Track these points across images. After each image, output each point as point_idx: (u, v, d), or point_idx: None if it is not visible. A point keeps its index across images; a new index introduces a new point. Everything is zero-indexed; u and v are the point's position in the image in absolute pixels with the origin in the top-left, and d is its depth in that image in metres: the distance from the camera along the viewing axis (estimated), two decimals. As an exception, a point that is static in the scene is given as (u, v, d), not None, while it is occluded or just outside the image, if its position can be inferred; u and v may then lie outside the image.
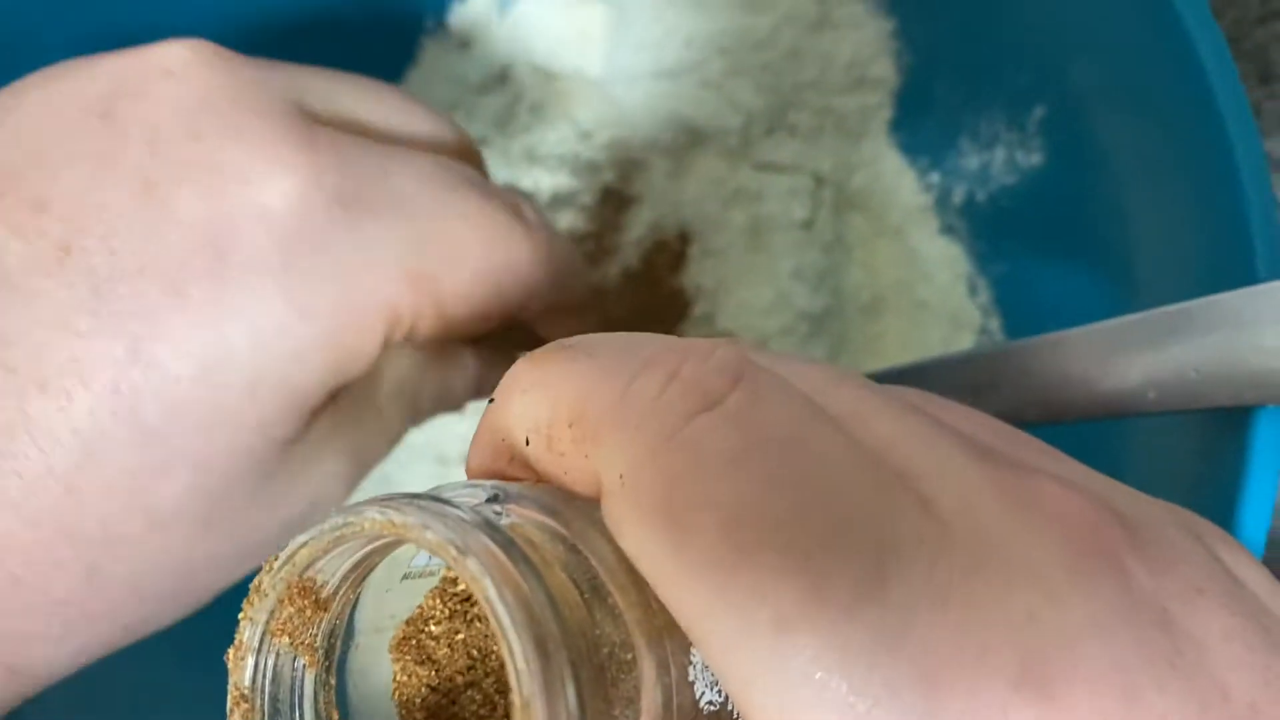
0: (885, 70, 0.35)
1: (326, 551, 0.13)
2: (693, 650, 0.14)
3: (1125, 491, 0.16)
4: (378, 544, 0.13)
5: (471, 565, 0.12)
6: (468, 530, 0.12)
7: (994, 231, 0.34)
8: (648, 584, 0.13)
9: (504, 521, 0.13)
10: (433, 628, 0.14)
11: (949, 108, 0.34)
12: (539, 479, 0.15)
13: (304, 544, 0.13)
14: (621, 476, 0.13)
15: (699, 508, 0.12)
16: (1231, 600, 0.14)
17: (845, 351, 0.38)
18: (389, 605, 0.14)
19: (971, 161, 0.34)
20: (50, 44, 0.28)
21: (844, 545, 0.12)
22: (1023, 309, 0.34)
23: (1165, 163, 0.24)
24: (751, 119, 0.37)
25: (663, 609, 0.13)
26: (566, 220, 0.39)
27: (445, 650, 0.14)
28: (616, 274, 0.39)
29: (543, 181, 0.39)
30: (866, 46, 0.35)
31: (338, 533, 0.12)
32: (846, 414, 0.14)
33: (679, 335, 0.39)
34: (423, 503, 0.13)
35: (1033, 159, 0.31)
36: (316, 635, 0.13)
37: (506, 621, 0.11)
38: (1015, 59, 0.30)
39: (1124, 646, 0.12)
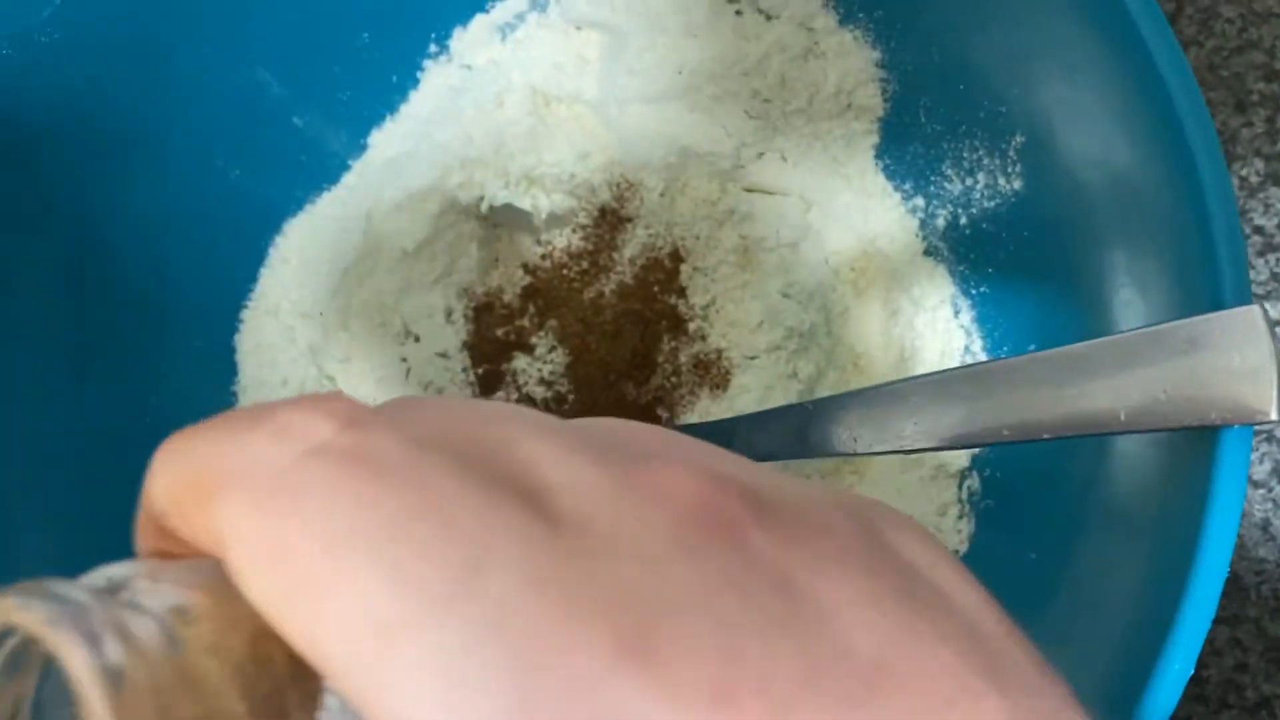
0: (871, 98, 0.36)
1: None
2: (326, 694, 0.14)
3: (777, 478, 0.16)
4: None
5: (61, 641, 0.12)
6: (63, 612, 0.12)
7: (976, 254, 0.36)
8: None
9: (132, 599, 0.13)
10: None
11: (933, 135, 0.35)
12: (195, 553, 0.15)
13: None
14: (234, 526, 0.13)
15: (301, 539, 0.13)
16: (875, 570, 0.14)
17: (833, 367, 0.39)
18: None
19: (955, 186, 0.35)
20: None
21: (442, 553, 0.12)
22: (1003, 329, 0.35)
23: (1137, 189, 0.25)
24: (742, 143, 0.39)
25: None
26: (563, 240, 0.41)
27: None
28: (613, 290, 0.40)
29: (540, 201, 0.40)
30: (853, 75, 0.36)
31: None
32: (492, 448, 0.14)
33: (672, 351, 0.40)
34: (37, 587, 0.13)
35: (1013, 184, 0.33)
36: None
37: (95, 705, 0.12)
38: (995, 89, 0.31)
39: (730, 610, 0.13)
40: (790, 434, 0.31)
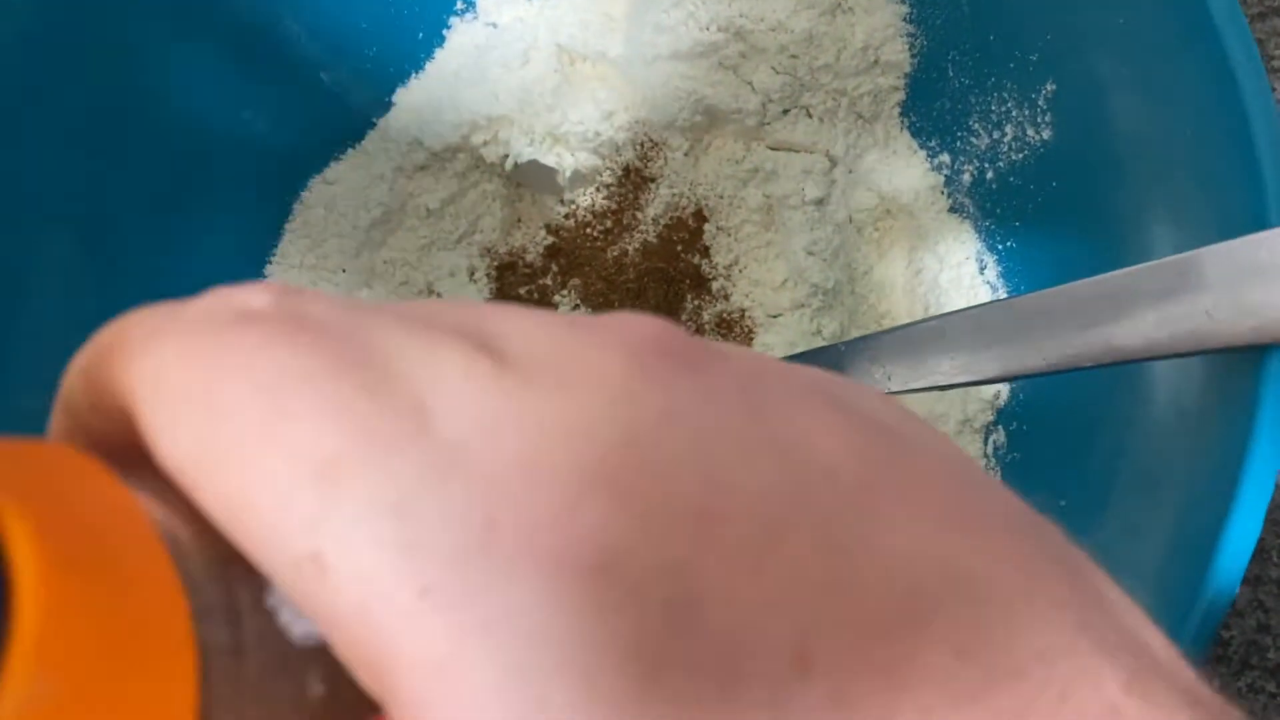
0: (898, 54, 0.36)
1: None
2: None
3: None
4: None
5: None
6: None
7: (1003, 209, 0.36)
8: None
9: None
10: None
11: (960, 89, 0.35)
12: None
13: None
14: (156, 376, 0.12)
15: (233, 380, 0.11)
16: (841, 405, 0.14)
17: (856, 325, 0.39)
18: None
19: (982, 141, 0.35)
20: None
21: (389, 394, 0.11)
22: (1030, 282, 0.36)
23: (1174, 119, 0.26)
24: (767, 100, 0.39)
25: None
26: (588, 198, 0.41)
27: None
28: (636, 250, 0.40)
29: (565, 159, 0.40)
30: (880, 30, 0.36)
31: None
32: (436, 310, 0.13)
33: (696, 309, 0.40)
34: None
35: (1042, 134, 0.33)
36: None
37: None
38: (1027, 37, 0.32)
39: (704, 430, 0.12)
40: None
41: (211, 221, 0.38)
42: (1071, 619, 0.13)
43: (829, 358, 0.31)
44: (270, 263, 0.40)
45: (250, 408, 0.11)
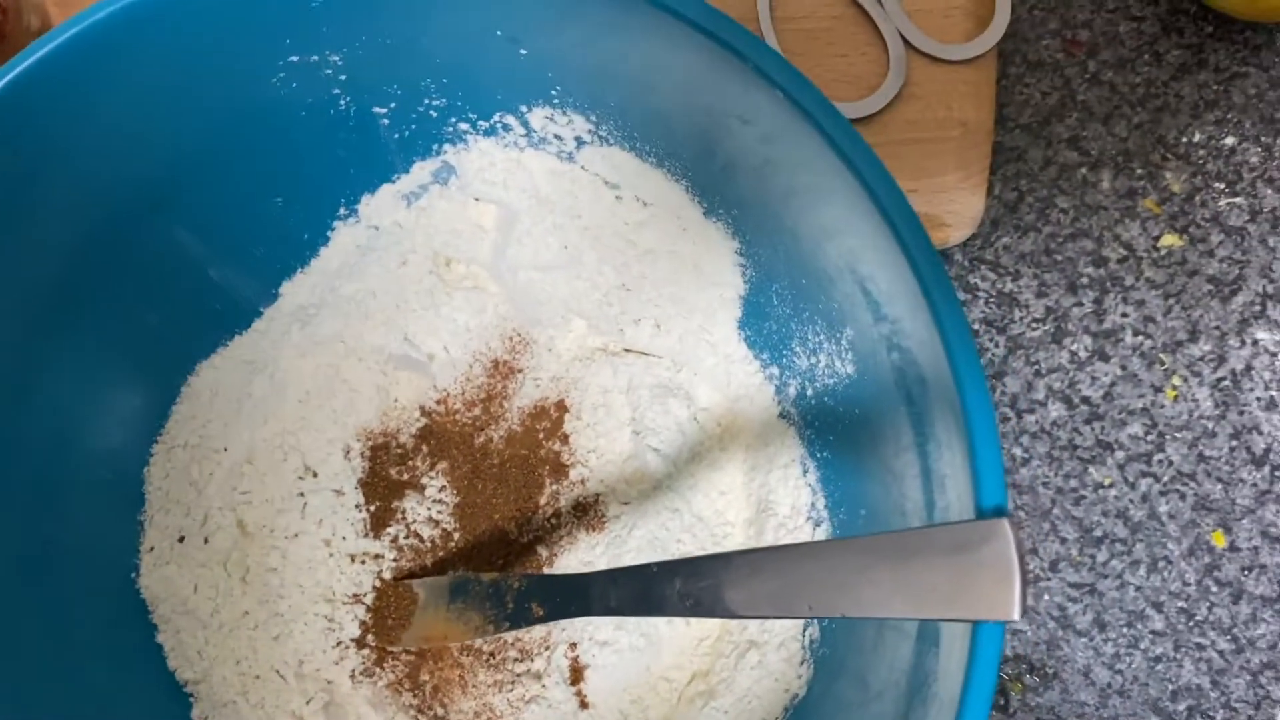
0: (734, 279, 0.40)
1: None
2: None
3: None
4: None
5: None
6: None
7: (820, 422, 0.40)
8: None
9: None
10: None
11: (783, 316, 0.39)
12: None
13: None
14: None
15: None
16: None
17: (697, 518, 0.42)
18: None
19: (802, 362, 0.39)
20: None
21: None
22: (840, 491, 0.39)
23: (933, 398, 0.29)
24: (621, 310, 0.43)
25: None
26: (458, 386, 0.44)
27: None
28: (501, 436, 0.44)
29: (437, 351, 0.44)
30: (717, 259, 0.40)
31: None
32: None
33: (554, 494, 0.43)
34: None
35: (847, 369, 0.37)
36: None
37: None
38: (828, 287, 0.36)
39: None
40: (638, 592, 0.34)
41: (103, 402, 0.41)
42: None
43: (642, 579, 0.34)
44: (158, 441, 0.43)
45: None
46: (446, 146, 0.41)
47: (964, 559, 0.27)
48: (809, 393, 0.40)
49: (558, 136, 0.39)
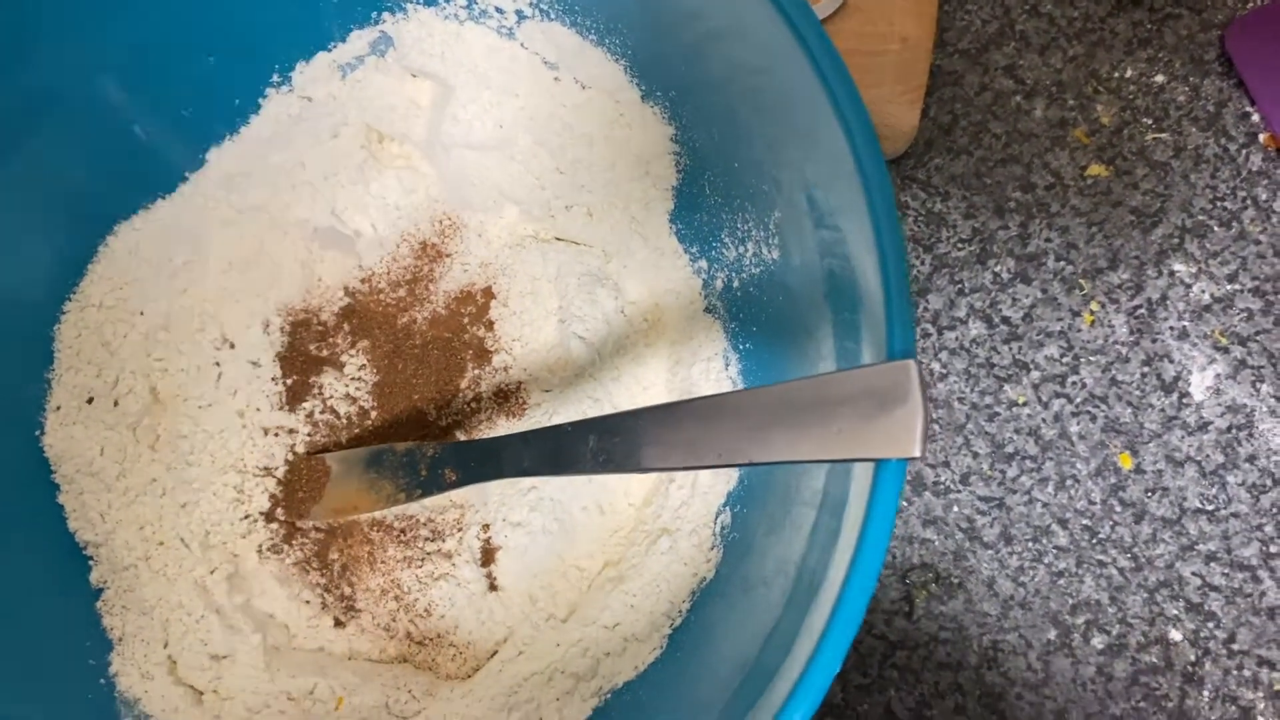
0: (667, 168, 0.40)
1: None
2: None
3: None
4: None
5: None
6: None
7: (745, 314, 0.40)
8: None
9: None
10: None
11: (715, 205, 0.39)
12: None
13: None
14: None
15: None
16: None
17: (614, 407, 0.43)
18: None
19: (731, 253, 0.39)
20: None
21: None
22: (760, 381, 0.40)
23: (853, 271, 0.30)
24: (554, 195, 0.42)
25: None
26: (384, 266, 0.44)
27: None
28: (425, 319, 0.43)
29: (365, 229, 0.43)
30: (651, 146, 0.40)
31: None
32: None
33: (475, 379, 0.43)
34: None
35: (772, 254, 0.37)
36: None
37: None
38: (763, 169, 0.36)
39: None
40: (551, 451, 0.34)
41: (16, 253, 0.40)
42: None
43: (555, 437, 0.34)
44: (70, 299, 0.42)
45: None
46: (385, 15, 0.41)
47: (870, 401, 0.27)
48: (735, 284, 0.40)
49: (499, 9, 0.39)
